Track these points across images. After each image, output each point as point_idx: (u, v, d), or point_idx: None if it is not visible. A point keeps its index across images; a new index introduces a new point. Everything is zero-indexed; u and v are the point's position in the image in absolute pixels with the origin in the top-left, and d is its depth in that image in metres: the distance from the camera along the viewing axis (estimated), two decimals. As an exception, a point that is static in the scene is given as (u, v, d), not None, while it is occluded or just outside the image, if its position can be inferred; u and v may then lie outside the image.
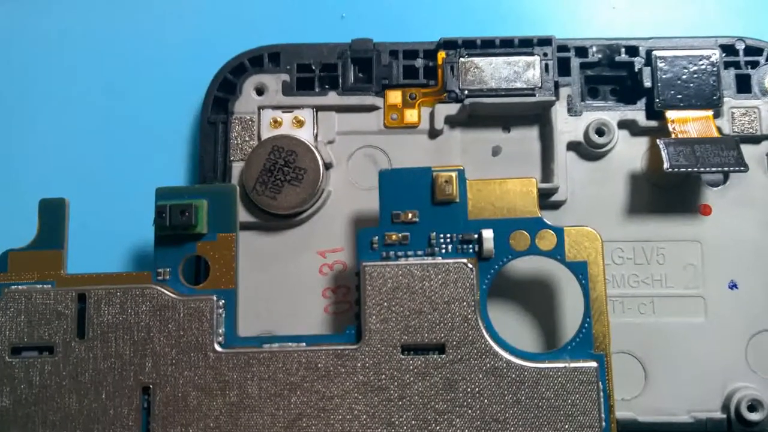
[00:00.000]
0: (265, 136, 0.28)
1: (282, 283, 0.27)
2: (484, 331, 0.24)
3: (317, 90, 0.28)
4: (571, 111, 0.28)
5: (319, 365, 0.24)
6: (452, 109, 0.28)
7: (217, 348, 0.24)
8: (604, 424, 0.24)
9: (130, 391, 0.24)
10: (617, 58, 0.28)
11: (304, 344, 0.25)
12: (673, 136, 0.27)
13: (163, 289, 0.25)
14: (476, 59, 0.28)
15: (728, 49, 0.28)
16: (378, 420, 0.24)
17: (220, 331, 0.25)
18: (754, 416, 0.26)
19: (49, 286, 0.25)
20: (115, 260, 0.29)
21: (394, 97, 0.28)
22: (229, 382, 0.24)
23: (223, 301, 0.25)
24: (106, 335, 0.25)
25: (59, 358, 0.24)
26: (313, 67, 0.28)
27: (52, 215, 0.26)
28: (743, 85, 0.28)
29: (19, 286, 0.25)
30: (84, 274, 0.25)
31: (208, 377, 0.24)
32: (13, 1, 0.31)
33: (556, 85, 0.28)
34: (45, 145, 0.30)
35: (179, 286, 0.25)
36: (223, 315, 0.25)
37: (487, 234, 0.25)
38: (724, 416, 0.26)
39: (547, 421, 0.24)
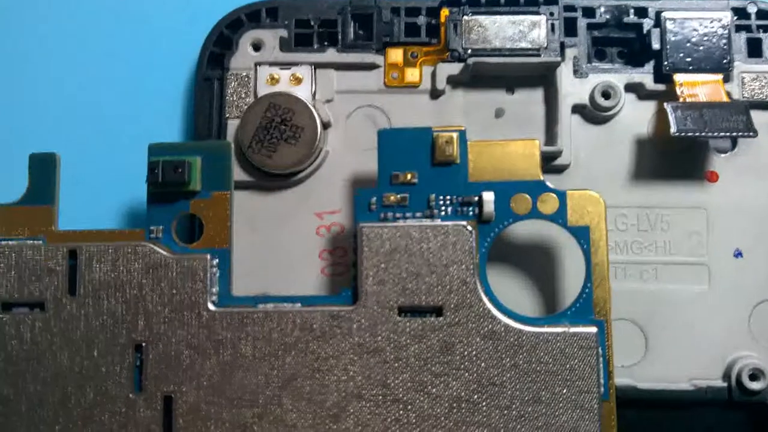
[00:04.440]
0: (261, 93, 0.27)
1: (278, 244, 0.27)
2: (482, 295, 0.24)
3: (316, 47, 0.27)
4: (577, 73, 0.27)
5: (314, 326, 0.24)
6: (455, 68, 0.27)
7: (211, 307, 0.24)
8: (602, 389, 0.23)
9: (123, 349, 0.24)
10: (625, 20, 0.27)
11: (299, 305, 0.24)
12: (681, 100, 0.26)
13: (156, 247, 0.24)
14: (480, 18, 0.27)
15: (740, 12, 0.28)
16: (373, 381, 0.24)
17: (214, 290, 0.24)
18: (755, 385, 0.25)
19: (40, 242, 0.25)
20: (108, 217, 0.28)
21: (395, 55, 0.27)
22: (222, 342, 0.24)
23: (216, 260, 0.24)
24: (98, 293, 0.24)
25: (50, 314, 0.24)
26: (312, 23, 0.28)
27: (43, 170, 0.25)
28: (754, 50, 0.27)
29: (9, 242, 0.25)
30: (75, 230, 0.25)
31: (201, 336, 0.24)
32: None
33: (562, 46, 0.27)
34: (36, 98, 0.29)
35: (172, 244, 0.25)
36: (217, 274, 0.24)
37: (488, 196, 0.24)
38: (725, 385, 0.26)
39: (544, 385, 0.23)
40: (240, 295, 0.25)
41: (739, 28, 0.27)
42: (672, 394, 0.26)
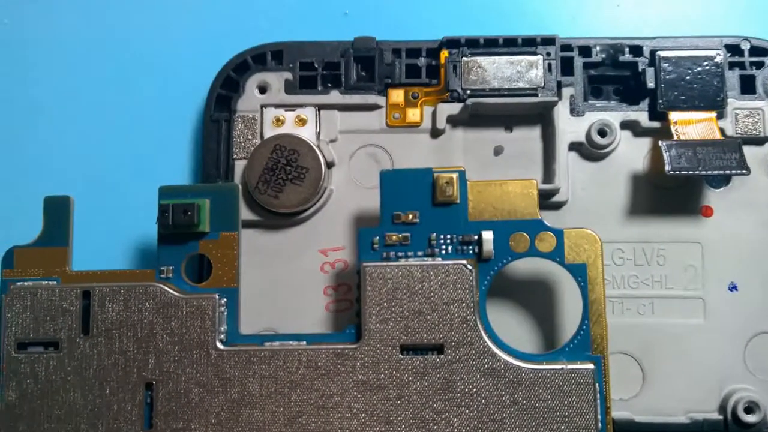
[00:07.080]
0: (267, 134, 0.28)
1: (284, 280, 0.28)
2: (482, 332, 0.24)
3: (320, 88, 0.28)
4: (574, 111, 0.28)
5: (319, 364, 0.24)
6: (454, 108, 0.28)
7: (219, 346, 0.25)
8: (600, 425, 0.24)
9: (134, 387, 0.25)
10: (621, 58, 0.28)
11: (304, 343, 0.25)
12: (675, 137, 0.27)
13: (166, 287, 0.25)
14: (479, 58, 0.28)
15: (733, 49, 0.28)
16: (376, 419, 0.24)
17: (222, 329, 0.25)
18: (750, 418, 0.26)
19: (55, 282, 0.25)
20: (119, 258, 0.29)
21: (397, 96, 0.28)
22: (230, 380, 0.25)
23: (225, 299, 0.25)
24: (110, 332, 0.25)
25: (64, 353, 0.25)
26: (316, 66, 0.28)
27: (57, 212, 0.26)
28: (748, 86, 0.28)
29: (25, 283, 0.25)
30: (88, 271, 0.26)
31: (209, 374, 0.25)
32: (16, 1, 0.31)
33: (559, 85, 0.28)
34: (49, 142, 0.30)
35: (182, 284, 0.25)
36: (225, 313, 0.25)
37: (487, 235, 0.25)
38: (721, 417, 0.26)
39: (543, 421, 0.24)
40: (247, 331, 0.26)
41: (732, 65, 0.28)
42: (669, 426, 0.26)
